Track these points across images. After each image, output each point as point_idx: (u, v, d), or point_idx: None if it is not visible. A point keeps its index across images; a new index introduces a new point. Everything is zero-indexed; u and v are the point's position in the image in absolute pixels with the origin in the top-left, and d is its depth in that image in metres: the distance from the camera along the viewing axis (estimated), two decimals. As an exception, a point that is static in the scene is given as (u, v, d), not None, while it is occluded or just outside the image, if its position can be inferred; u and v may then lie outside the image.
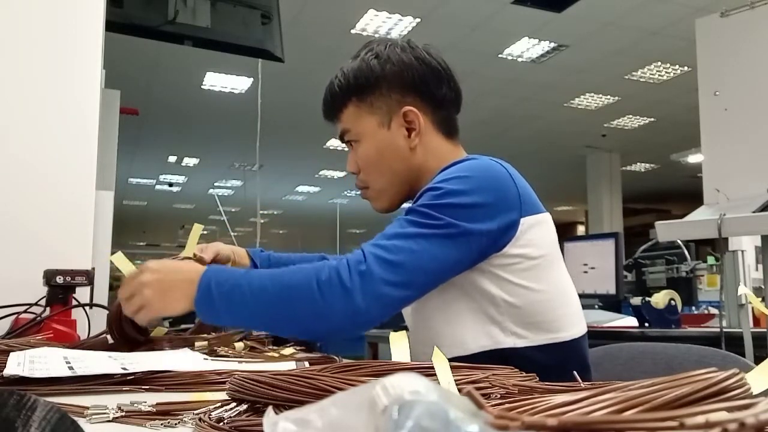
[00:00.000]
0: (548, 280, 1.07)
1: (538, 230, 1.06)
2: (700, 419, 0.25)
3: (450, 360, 0.65)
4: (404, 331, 0.81)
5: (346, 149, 1.25)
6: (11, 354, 0.82)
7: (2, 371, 0.74)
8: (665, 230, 2.52)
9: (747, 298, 2.76)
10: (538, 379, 0.64)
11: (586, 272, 3.25)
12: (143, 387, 0.75)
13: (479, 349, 1.03)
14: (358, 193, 1.30)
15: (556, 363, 1.03)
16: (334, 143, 10.18)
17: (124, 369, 0.79)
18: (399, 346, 0.73)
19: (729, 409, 0.27)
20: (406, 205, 1.23)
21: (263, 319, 0.98)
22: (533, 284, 1.05)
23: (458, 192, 1.00)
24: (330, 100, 1.21)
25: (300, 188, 13.80)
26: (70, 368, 0.77)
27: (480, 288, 1.04)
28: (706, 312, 3.97)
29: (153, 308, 0.95)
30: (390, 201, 1.21)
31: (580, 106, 8.50)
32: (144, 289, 0.95)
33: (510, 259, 1.03)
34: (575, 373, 0.62)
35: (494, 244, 1.02)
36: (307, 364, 0.91)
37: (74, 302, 1.31)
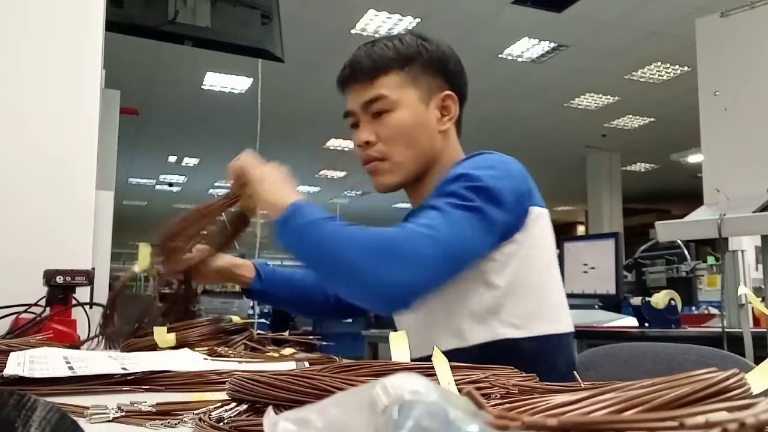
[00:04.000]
0: (547, 270, 1.12)
1: (543, 222, 1.12)
2: (700, 419, 0.25)
3: (448, 352, 0.66)
4: (404, 331, 0.81)
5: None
6: (11, 354, 0.82)
7: (2, 371, 0.74)
8: (665, 230, 2.52)
9: (747, 298, 2.76)
10: (536, 375, 0.64)
11: (586, 272, 3.26)
12: (143, 387, 0.75)
13: (477, 341, 1.06)
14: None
15: (549, 355, 1.07)
16: (334, 143, 10.18)
17: (124, 369, 0.79)
18: (399, 346, 0.73)
19: (729, 409, 0.27)
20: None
21: (338, 262, 0.99)
22: (534, 273, 1.09)
23: (488, 177, 1.04)
24: (370, 64, 1.19)
25: (300, 188, 13.76)
26: (70, 368, 0.77)
27: (484, 275, 1.07)
28: (706, 312, 3.97)
29: (255, 182, 1.15)
30: (404, 177, 1.21)
31: (580, 106, 8.50)
32: (261, 170, 1.16)
33: (516, 246, 1.07)
34: (575, 372, 0.62)
35: (510, 231, 1.07)
36: (307, 364, 0.91)
37: (74, 302, 1.31)
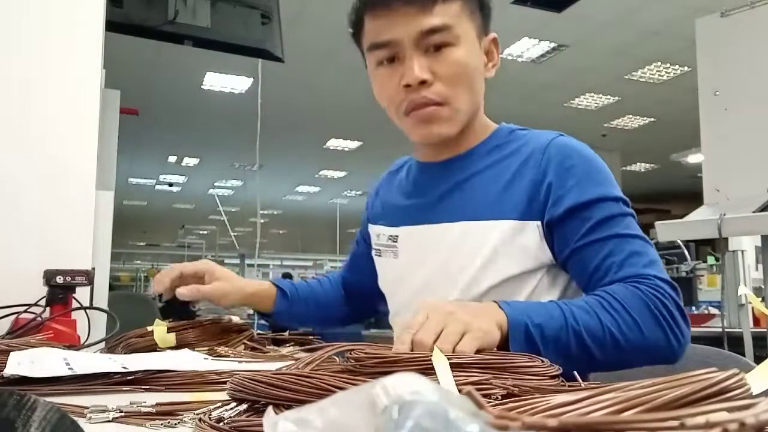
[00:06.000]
0: None
1: None
2: (701, 419, 0.25)
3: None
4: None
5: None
6: (11, 354, 0.82)
7: (2, 371, 0.74)
8: (665, 230, 2.52)
9: (747, 298, 2.76)
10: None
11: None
12: (143, 387, 0.75)
13: None
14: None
15: None
16: (334, 143, 10.18)
17: (125, 368, 0.78)
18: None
19: (729, 410, 0.27)
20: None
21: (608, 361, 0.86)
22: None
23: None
24: None
25: (300, 188, 13.81)
26: (70, 368, 0.77)
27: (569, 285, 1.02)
28: (706, 312, 3.98)
29: (479, 330, 0.72)
30: (459, 128, 1.04)
31: (580, 106, 8.50)
32: (457, 315, 0.72)
33: None
34: (575, 373, 0.62)
35: None
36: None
37: (74, 302, 1.31)
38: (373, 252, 1.21)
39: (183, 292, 1.11)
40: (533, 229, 0.97)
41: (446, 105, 0.99)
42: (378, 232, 1.19)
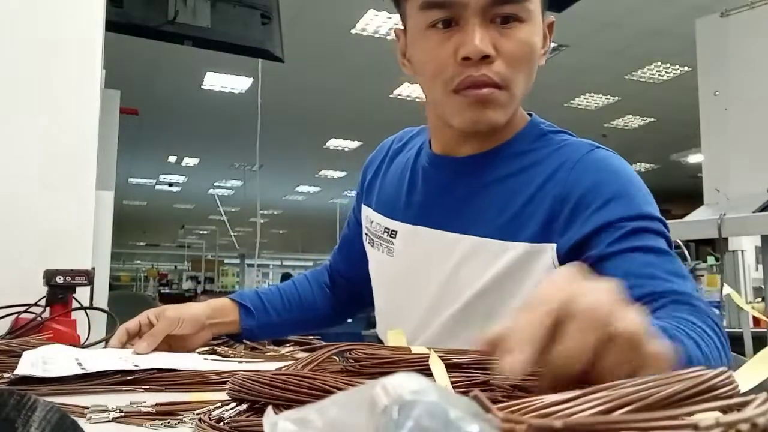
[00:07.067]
0: None
1: None
2: (711, 421, 0.25)
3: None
4: (401, 330, 0.81)
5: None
6: (24, 353, 0.82)
7: (4, 371, 0.74)
8: (665, 230, 2.52)
9: (732, 298, 2.76)
10: None
11: (586, 272, 3.25)
12: (143, 387, 0.75)
13: None
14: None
15: None
16: (334, 143, 10.18)
17: (137, 366, 0.79)
18: (397, 345, 0.73)
19: (729, 407, 0.27)
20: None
21: None
22: None
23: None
24: None
25: (300, 188, 13.81)
26: (82, 368, 0.77)
27: None
28: (706, 312, 3.96)
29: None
30: (507, 117, 0.89)
31: (580, 106, 8.50)
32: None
33: None
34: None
35: None
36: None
37: (74, 302, 1.31)
38: (364, 237, 1.10)
39: (143, 346, 0.94)
40: (548, 252, 0.85)
41: (504, 89, 0.86)
42: (372, 218, 1.07)
